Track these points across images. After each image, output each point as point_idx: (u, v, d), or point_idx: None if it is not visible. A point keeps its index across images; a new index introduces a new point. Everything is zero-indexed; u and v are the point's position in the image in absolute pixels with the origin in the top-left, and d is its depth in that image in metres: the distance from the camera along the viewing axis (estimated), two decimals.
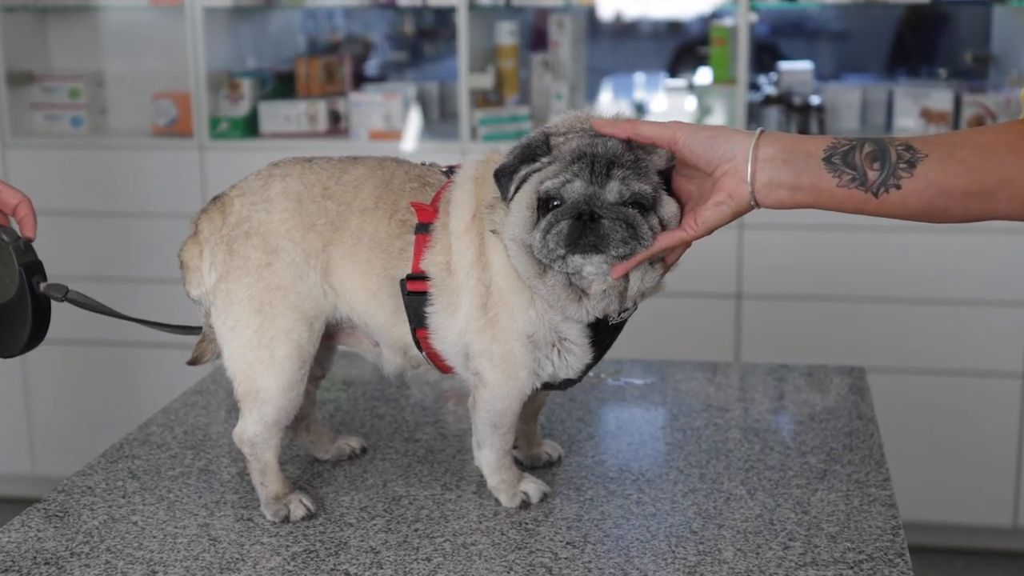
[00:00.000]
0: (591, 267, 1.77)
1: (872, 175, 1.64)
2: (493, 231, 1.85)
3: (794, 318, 4.26)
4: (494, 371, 1.90)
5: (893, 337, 4.22)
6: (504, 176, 1.81)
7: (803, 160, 1.67)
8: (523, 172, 1.79)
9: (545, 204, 1.77)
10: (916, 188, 1.63)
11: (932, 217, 1.66)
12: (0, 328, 2.06)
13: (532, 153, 1.80)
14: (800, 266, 4.24)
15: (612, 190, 1.74)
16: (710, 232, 1.76)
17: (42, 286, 2.02)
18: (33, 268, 2.03)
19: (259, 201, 1.97)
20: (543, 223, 1.75)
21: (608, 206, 1.73)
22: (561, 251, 1.75)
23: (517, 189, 1.80)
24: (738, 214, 1.73)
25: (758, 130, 1.71)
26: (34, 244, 2.03)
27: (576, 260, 1.76)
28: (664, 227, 1.76)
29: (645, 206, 1.75)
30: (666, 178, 1.79)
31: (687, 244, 1.80)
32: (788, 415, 2.43)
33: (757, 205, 1.70)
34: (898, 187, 1.64)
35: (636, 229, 1.74)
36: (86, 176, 4.63)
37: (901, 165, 1.63)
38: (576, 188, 1.75)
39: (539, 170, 1.79)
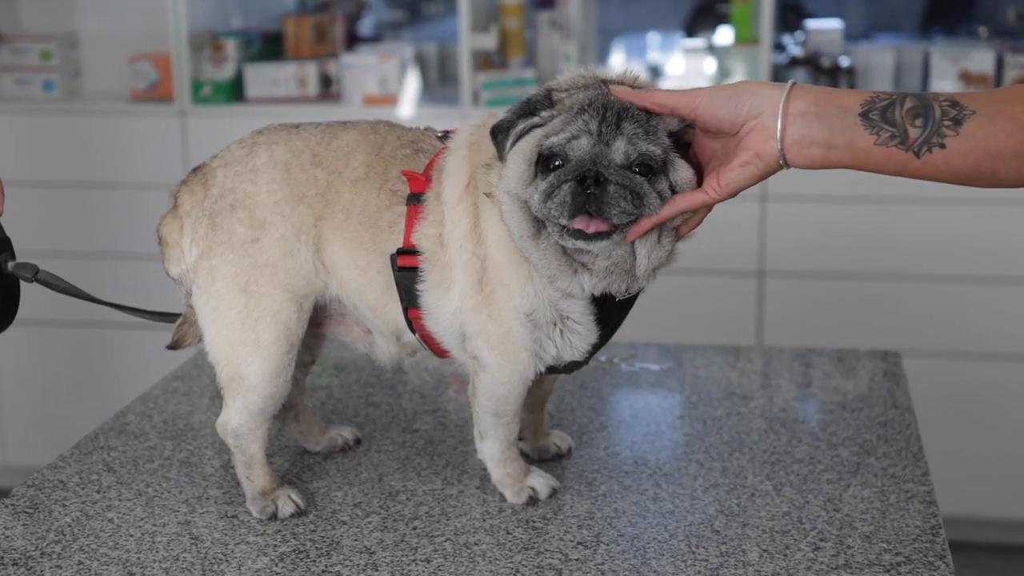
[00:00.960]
0: (594, 248, 1.75)
1: (914, 133, 1.61)
2: (487, 194, 1.82)
3: (821, 298, 4.24)
4: (492, 353, 1.88)
5: (929, 318, 4.20)
6: (500, 132, 1.79)
7: (838, 115, 1.64)
8: (520, 127, 1.78)
9: (546, 162, 1.74)
10: (962, 148, 1.60)
11: (979, 181, 1.63)
12: None
13: (532, 108, 1.79)
14: (828, 241, 4.21)
15: (619, 150, 1.72)
16: (734, 195, 1.73)
17: (10, 265, 2.01)
18: (1, 246, 2.01)
19: (244, 171, 1.94)
20: (544, 185, 1.73)
21: (615, 169, 1.71)
22: (564, 220, 1.72)
23: (514, 145, 1.78)
24: (766, 175, 1.70)
25: (789, 82, 1.68)
26: (1, 220, 2.01)
27: (577, 243, 1.74)
28: (676, 192, 1.74)
29: (654, 168, 1.73)
30: (678, 142, 1.77)
31: (708, 208, 1.78)
32: (817, 403, 2.41)
33: (787, 165, 1.68)
34: (942, 146, 1.60)
35: (643, 199, 1.72)
36: (58, 144, 4.60)
37: (946, 122, 1.60)
38: (582, 146, 1.72)
39: (539, 125, 1.77)
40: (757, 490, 2.01)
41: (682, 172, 1.75)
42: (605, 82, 1.79)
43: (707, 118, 1.71)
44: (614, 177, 1.71)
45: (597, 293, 1.82)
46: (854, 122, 1.63)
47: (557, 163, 1.74)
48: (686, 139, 1.78)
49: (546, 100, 1.79)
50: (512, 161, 1.78)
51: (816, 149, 1.65)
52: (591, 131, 1.72)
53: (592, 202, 1.70)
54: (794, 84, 1.68)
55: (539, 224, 1.76)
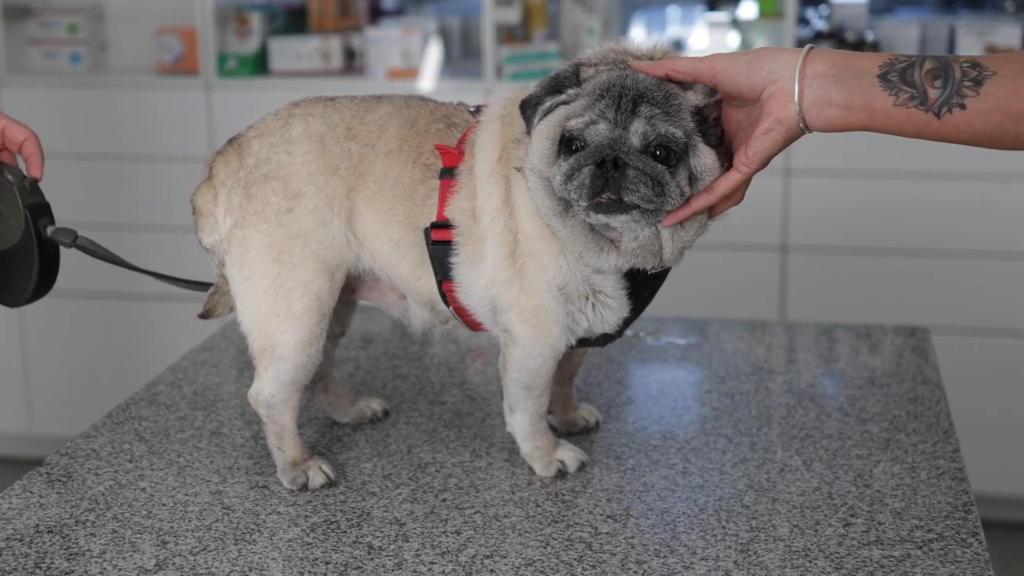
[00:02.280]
0: (616, 223, 1.74)
1: (933, 93, 1.60)
2: (517, 168, 1.81)
3: (844, 273, 4.21)
4: (524, 326, 1.87)
5: (954, 294, 4.17)
6: (529, 107, 1.79)
7: (856, 77, 1.63)
8: (548, 104, 1.77)
9: (568, 144, 1.73)
10: (983, 108, 1.58)
11: (1000, 142, 1.61)
12: (5, 275, 2.03)
13: (560, 84, 1.78)
14: (851, 216, 4.18)
15: (637, 131, 1.70)
16: (765, 164, 1.72)
17: (49, 230, 1.99)
18: (40, 211, 1.99)
19: (279, 142, 1.93)
20: (565, 167, 1.72)
21: (634, 153, 1.70)
22: (583, 203, 1.72)
23: (540, 122, 1.77)
24: (790, 140, 1.69)
25: (807, 47, 1.67)
26: (40, 185, 2.00)
27: (599, 217, 1.73)
28: (695, 181, 1.73)
29: (674, 151, 1.71)
30: (704, 121, 1.75)
31: (746, 183, 1.76)
32: (845, 379, 2.39)
33: (807, 128, 1.66)
34: (962, 107, 1.59)
35: (664, 187, 1.70)
36: (85, 116, 4.60)
37: (966, 83, 1.59)
38: (600, 131, 1.71)
39: (566, 103, 1.76)
40: (786, 465, 2.00)
41: (704, 159, 1.74)
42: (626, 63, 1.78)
43: (727, 84, 1.71)
44: (633, 161, 1.70)
45: (625, 270, 1.80)
46: (872, 83, 1.62)
47: (577, 146, 1.73)
48: (713, 116, 1.76)
49: (573, 77, 1.78)
50: (536, 139, 1.77)
51: (835, 111, 1.64)
52: (608, 118, 1.71)
53: (612, 185, 1.69)
54: (811, 48, 1.67)
55: (566, 202, 1.75)
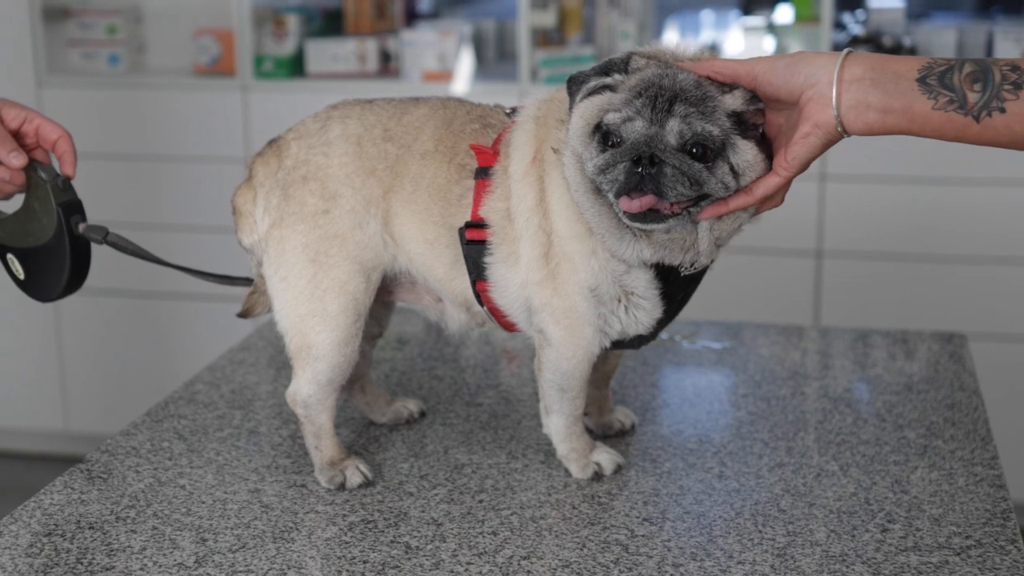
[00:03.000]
0: (651, 228, 1.75)
1: (972, 97, 1.59)
2: (555, 149, 1.82)
3: (878, 278, 4.20)
4: (557, 328, 1.87)
5: (990, 300, 4.16)
6: (575, 84, 1.79)
7: (894, 80, 1.63)
8: (592, 83, 1.77)
9: (605, 136, 1.74)
10: (1022, 112, 1.58)
11: None
12: (38, 271, 2.06)
13: (609, 68, 1.78)
14: (885, 222, 4.17)
15: (672, 130, 1.70)
16: (804, 168, 1.72)
17: (81, 227, 2.01)
18: (71, 208, 2.01)
19: (317, 144, 1.94)
20: (600, 160, 1.72)
21: (671, 151, 1.70)
22: (611, 197, 1.72)
23: (583, 101, 1.77)
24: (829, 144, 1.68)
25: (845, 50, 1.67)
26: (73, 183, 2.02)
27: (636, 225, 1.73)
28: (738, 175, 1.73)
29: (711, 148, 1.71)
30: (744, 125, 1.75)
31: (786, 186, 1.76)
32: (882, 385, 2.39)
33: (846, 131, 1.66)
34: (1002, 110, 1.58)
35: (703, 185, 1.70)
36: (123, 117, 4.62)
37: (1006, 86, 1.58)
38: (636, 128, 1.71)
39: (610, 87, 1.76)
40: (823, 470, 1.99)
41: (745, 154, 1.73)
42: (668, 64, 1.78)
43: (766, 86, 1.71)
44: (670, 159, 1.69)
45: (652, 262, 1.80)
46: (911, 87, 1.62)
47: (614, 141, 1.73)
48: (755, 121, 1.76)
49: (623, 64, 1.78)
50: (575, 117, 1.77)
51: (873, 114, 1.64)
52: (644, 116, 1.71)
53: (649, 182, 1.69)
54: (849, 51, 1.67)
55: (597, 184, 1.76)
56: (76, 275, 2.05)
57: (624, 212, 1.71)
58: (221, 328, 4.30)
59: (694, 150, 1.70)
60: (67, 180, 2.02)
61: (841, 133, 1.66)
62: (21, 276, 2.09)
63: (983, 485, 1.93)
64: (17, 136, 2.02)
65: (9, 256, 2.08)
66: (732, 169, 1.72)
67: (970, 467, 2.00)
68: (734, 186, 1.73)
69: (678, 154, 1.70)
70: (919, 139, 1.67)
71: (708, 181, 1.70)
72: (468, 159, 1.91)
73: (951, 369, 2.43)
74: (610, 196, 1.73)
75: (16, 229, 2.05)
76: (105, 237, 2.02)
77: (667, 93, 1.71)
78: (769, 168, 1.74)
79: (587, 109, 1.76)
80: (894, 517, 1.83)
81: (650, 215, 1.71)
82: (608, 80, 1.76)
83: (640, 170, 1.69)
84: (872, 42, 4.44)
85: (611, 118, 1.73)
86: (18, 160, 1.98)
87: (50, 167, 2.02)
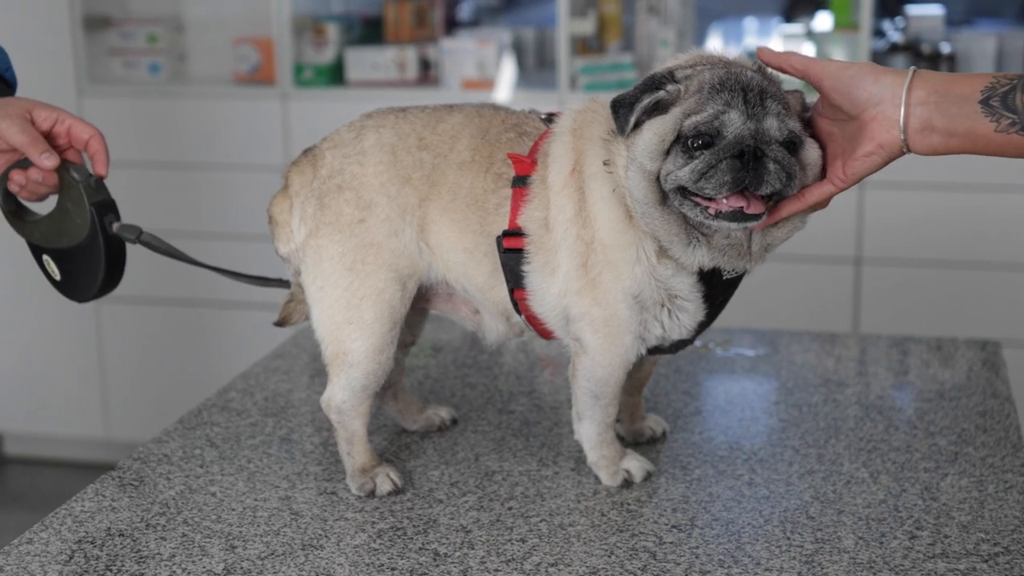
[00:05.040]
0: (743, 226, 1.75)
1: None
2: (605, 163, 1.81)
3: (918, 286, 4.18)
4: (595, 336, 1.88)
5: None
6: (623, 107, 1.77)
7: (957, 103, 1.63)
8: (646, 101, 1.75)
9: (688, 142, 1.72)
10: None
11: None
12: (74, 272, 2.08)
13: (656, 83, 1.77)
14: (926, 228, 4.15)
15: (772, 126, 1.71)
16: (857, 183, 1.74)
17: (115, 226, 2.03)
18: (105, 207, 2.03)
19: (352, 153, 1.96)
20: (700, 164, 1.71)
21: (775, 145, 1.71)
22: (723, 196, 1.71)
23: (638, 122, 1.76)
24: (889, 162, 1.70)
25: (911, 69, 1.67)
26: (107, 183, 2.04)
27: (726, 225, 1.73)
28: (805, 172, 1.74)
29: (796, 145, 1.73)
30: (804, 122, 1.77)
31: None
32: (914, 392, 2.38)
33: (910, 151, 1.67)
34: None
35: (792, 178, 1.72)
36: (164, 126, 4.66)
37: None
38: (734, 121, 1.71)
39: (668, 101, 1.75)
40: (853, 477, 1.99)
41: (811, 152, 1.75)
42: (728, 62, 1.78)
43: (830, 91, 1.71)
44: (773, 153, 1.70)
45: (708, 267, 1.80)
46: (974, 110, 1.62)
47: (702, 142, 1.72)
48: (805, 118, 1.78)
49: (669, 77, 1.77)
50: (646, 134, 1.75)
51: (937, 137, 1.64)
52: (738, 107, 1.71)
53: (752, 178, 1.69)
54: (915, 70, 1.66)
55: (664, 195, 1.75)
56: (111, 275, 2.07)
57: (728, 212, 1.71)
58: (263, 336, 4.32)
59: (786, 146, 1.72)
60: (100, 180, 2.04)
61: (905, 152, 1.67)
62: (57, 277, 2.11)
63: (1013, 492, 1.92)
64: (49, 137, 2.04)
65: (45, 257, 2.10)
66: (801, 166, 1.74)
67: (1000, 474, 1.99)
68: (803, 183, 1.74)
69: (779, 148, 1.71)
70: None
71: (797, 175, 1.72)
72: (505, 168, 1.92)
73: (984, 376, 2.42)
74: (719, 196, 1.71)
75: (51, 230, 2.07)
76: (139, 236, 2.04)
77: (754, 87, 1.72)
78: (822, 171, 1.75)
79: (659, 124, 1.75)
80: (923, 524, 1.83)
81: (737, 214, 1.71)
82: (662, 94, 1.75)
83: (745, 165, 1.69)
84: (911, 49, 4.42)
85: (696, 119, 1.72)
86: (50, 161, 2.00)
87: (83, 167, 2.04)
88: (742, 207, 1.70)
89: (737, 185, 1.69)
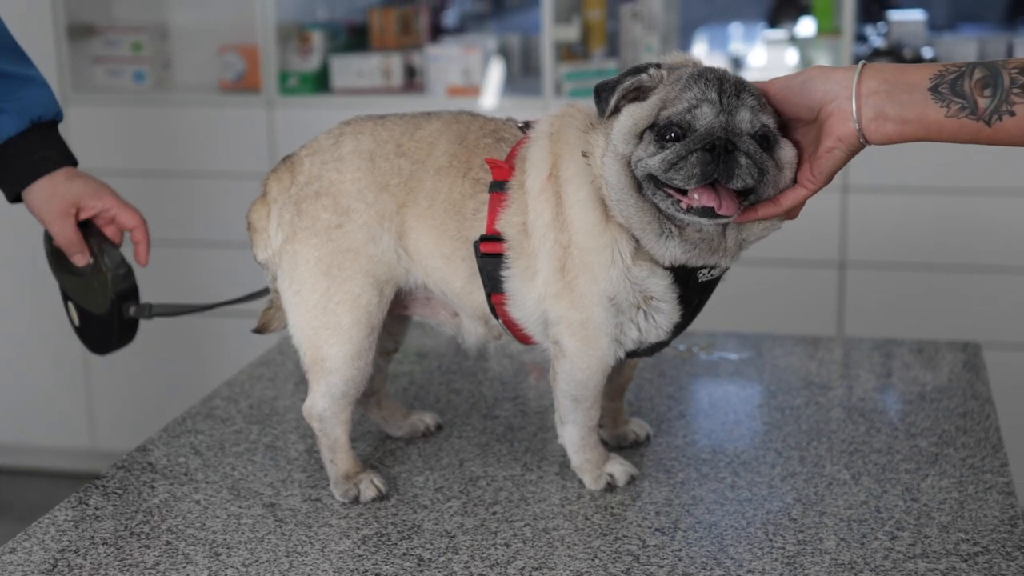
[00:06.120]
0: (713, 223, 1.76)
1: (983, 103, 1.63)
2: (584, 154, 1.83)
3: (902, 289, 4.20)
4: (573, 339, 1.89)
5: (1011, 310, 4.15)
6: (606, 90, 1.79)
7: (907, 91, 1.66)
8: (628, 83, 1.77)
9: (662, 132, 1.74)
10: None
11: None
12: (90, 331, 2.29)
13: (638, 68, 1.79)
14: (909, 232, 4.17)
15: (744, 119, 1.72)
16: (830, 180, 1.76)
17: (131, 310, 2.24)
18: (127, 296, 2.25)
19: (330, 160, 1.97)
20: (670, 154, 1.72)
21: (745, 138, 1.72)
22: (691, 187, 1.72)
23: (618, 107, 1.78)
24: (852, 154, 1.72)
25: (860, 64, 1.70)
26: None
27: (697, 220, 1.74)
28: (780, 171, 1.75)
29: (769, 141, 1.74)
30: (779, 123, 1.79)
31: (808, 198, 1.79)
32: (896, 394, 2.39)
33: (867, 141, 1.70)
34: (1012, 114, 1.61)
35: (764, 174, 1.73)
36: (149, 133, 4.66)
37: (1015, 90, 1.61)
38: (706, 114, 1.72)
39: (649, 86, 1.77)
40: (835, 479, 2.00)
41: (786, 150, 1.76)
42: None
43: (783, 105, 1.75)
44: (744, 146, 1.71)
45: (679, 263, 1.81)
46: (924, 97, 1.65)
47: (674, 134, 1.73)
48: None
49: (653, 65, 1.79)
50: (623, 118, 1.77)
51: (890, 125, 1.67)
52: (711, 100, 1.72)
53: (723, 171, 1.70)
54: (864, 64, 1.70)
55: (638, 183, 1.76)
56: (123, 340, 2.30)
57: (699, 208, 1.72)
58: (248, 344, 4.32)
59: (759, 140, 1.73)
60: (129, 270, 2.25)
61: (863, 143, 1.69)
62: (76, 324, 2.31)
63: (992, 492, 1.94)
64: (95, 216, 2.27)
65: (70, 304, 2.30)
66: (777, 164, 1.75)
67: (980, 475, 2.00)
68: (778, 181, 1.75)
69: (750, 141, 1.72)
70: (939, 151, 1.71)
71: (769, 170, 1.73)
72: (482, 173, 1.93)
73: (965, 378, 2.44)
74: (687, 187, 1.71)
75: (78, 288, 2.27)
76: (151, 312, 2.27)
77: (730, 80, 1.74)
78: (794, 176, 1.77)
79: (636, 109, 1.77)
80: (903, 525, 1.84)
81: (707, 211, 1.72)
82: (644, 77, 1.77)
83: (715, 158, 1.70)
84: (893, 54, 4.44)
85: (671, 111, 1.73)
86: (82, 261, 2.26)
87: (116, 253, 2.25)
88: (713, 207, 1.71)
89: (706, 178, 1.70)
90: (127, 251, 2.31)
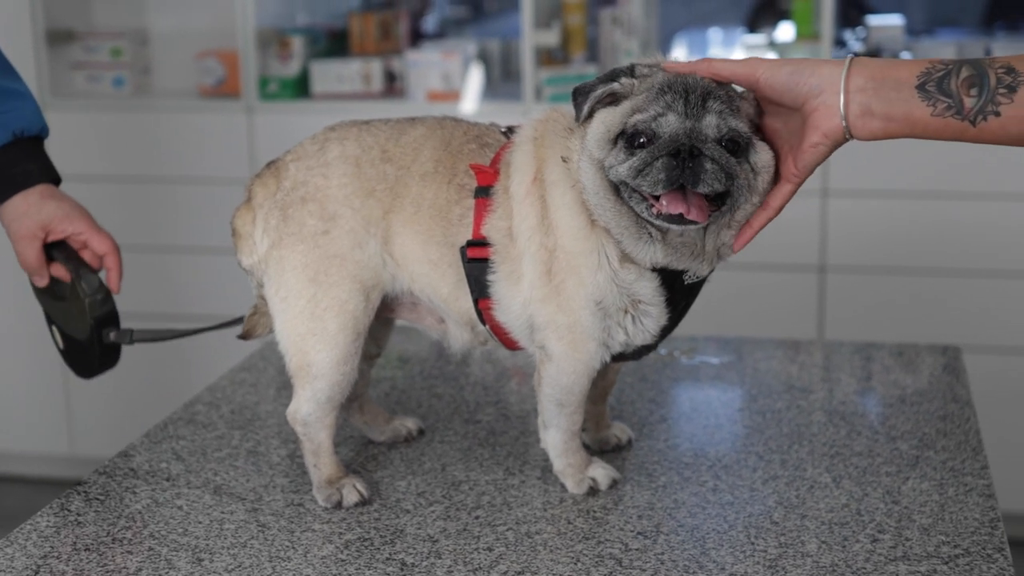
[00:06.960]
0: (684, 229, 1.77)
1: (969, 102, 1.63)
2: (564, 159, 1.84)
3: (882, 293, 4.21)
4: (560, 343, 1.89)
5: (990, 313, 4.17)
6: (581, 95, 1.81)
7: (895, 89, 1.66)
8: (600, 91, 1.79)
9: (631, 139, 1.75)
10: (1017, 114, 1.62)
11: None
12: (73, 354, 2.29)
13: (613, 75, 1.80)
14: (889, 236, 4.19)
15: (710, 124, 1.73)
16: (811, 173, 1.77)
17: (112, 335, 2.22)
18: (106, 321, 2.22)
19: (316, 165, 1.97)
20: (637, 161, 1.73)
21: (710, 143, 1.72)
22: (659, 192, 1.73)
23: (592, 112, 1.80)
24: (835, 149, 1.73)
25: (848, 57, 1.70)
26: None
27: (667, 226, 1.75)
28: (756, 175, 1.76)
29: (740, 146, 1.74)
30: (754, 125, 1.79)
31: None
32: (876, 397, 2.40)
33: (852, 137, 1.71)
34: (997, 114, 1.62)
35: (734, 179, 1.73)
36: (128, 139, 4.65)
37: (1000, 90, 1.62)
38: (670, 122, 1.73)
39: (621, 93, 1.79)
40: (816, 482, 2.01)
41: (763, 154, 1.77)
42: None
43: (767, 89, 1.74)
44: (709, 152, 1.72)
45: (660, 265, 1.82)
46: (911, 95, 1.66)
47: (642, 141, 1.74)
48: (757, 122, 1.80)
49: (629, 72, 1.80)
50: (595, 124, 1.79)
51: (876, 122, 1.68)
52: (677, 110, 1.73)
53: (688, 176, 1.71)
54: (852, 59, 1.70)
55: (616, 188, 1.78)
56: (105, 365, 2.28)
57: (668, 214, 1.72)
58: (229, 349, 4.32)
59: (727, 145, 1.74)
60: (107, 295, 2.22)
61: (848, 138, 1.71)
62: (61, 347, 2.30)
63: (973, 495, 1.95)
64: (66, 238, 2.24)
65: (54, 327, 2.30)
66: (752, 168, 1.76)
67: (960, 477, 2.01)
68: (755, 186, 1.77)
69: (716, 147, 1.73)
70: (919, 155, 1.72)
71: (739, 176, 1.73)
72: (468, 179, 1.93)
73: (945, 381, 2.45)
74: (655, 193, 1.72)
75: (61, 312, 2.26)
76: (131, 338, 2.25)
77: (698, 89, 1.74)
78: (776, 172, 1.78)
79: (608, 115, 1.79)
80: (884, 527, 1.85)
81: (677, 219, 1.73)
82: (616, 86, 1.79)
83: (680, 163, 1.71)
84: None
85: (638, 119, 1.75)
86: (40, 283, 2.26)
87: (94, 278, 2.22)
88: (681, 213, 1.72)
89: (672, 183, 1.71)
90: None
